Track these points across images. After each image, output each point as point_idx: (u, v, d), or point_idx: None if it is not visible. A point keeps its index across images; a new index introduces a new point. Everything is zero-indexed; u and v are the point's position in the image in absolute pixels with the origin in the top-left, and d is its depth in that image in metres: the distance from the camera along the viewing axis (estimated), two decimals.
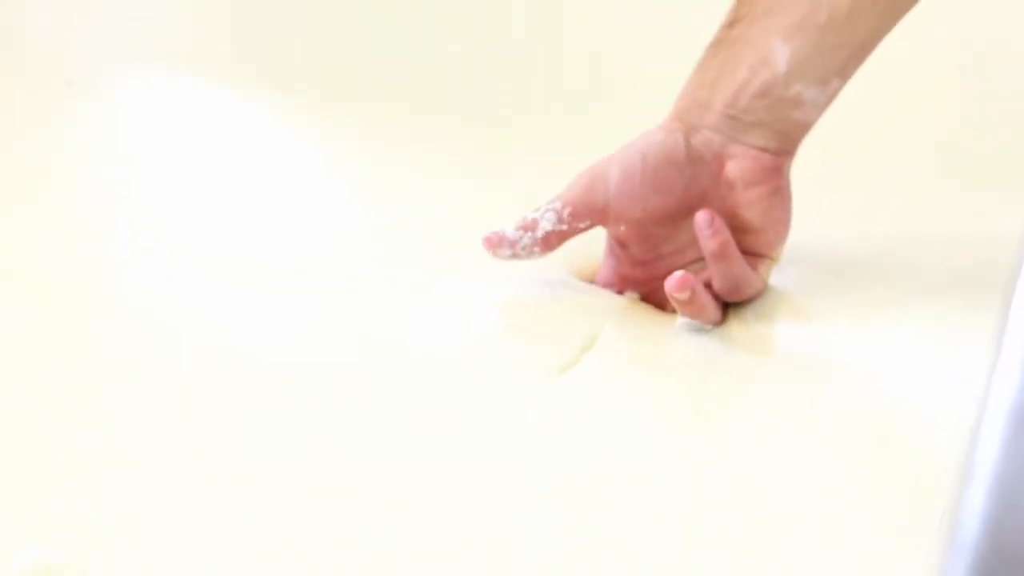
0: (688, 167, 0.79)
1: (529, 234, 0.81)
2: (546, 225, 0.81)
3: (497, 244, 0.82)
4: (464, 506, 0.66)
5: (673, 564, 0.63)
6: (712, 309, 0.79)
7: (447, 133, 1.05)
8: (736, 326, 0.79)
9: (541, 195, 0.82)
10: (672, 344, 0.78)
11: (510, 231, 0.82)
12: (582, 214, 0.81)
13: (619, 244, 0.83)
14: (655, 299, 0.83)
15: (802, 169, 0.79)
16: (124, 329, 0.80)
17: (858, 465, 0.69)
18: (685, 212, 0.80)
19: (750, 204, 0.79)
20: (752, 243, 0.80)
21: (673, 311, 0.80)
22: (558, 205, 0.81)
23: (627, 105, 0.96)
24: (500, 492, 0.67)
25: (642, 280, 0.83)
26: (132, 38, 1.20)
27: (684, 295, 0.77)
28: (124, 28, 1.21)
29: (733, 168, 0.79)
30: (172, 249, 0.89)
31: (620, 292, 0.84)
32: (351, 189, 1.00)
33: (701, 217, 0.78)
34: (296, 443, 0.70)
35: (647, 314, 0.81)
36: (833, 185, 0.88)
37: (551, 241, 0.82)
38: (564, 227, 0.81)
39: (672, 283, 0.77)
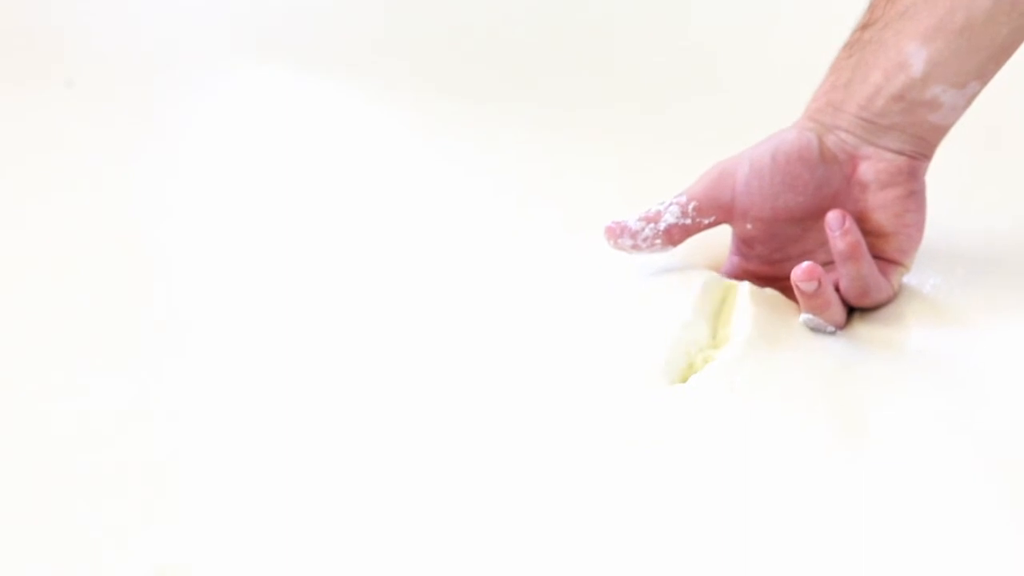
0: (820, 167, 0.77)
1: (651, 226, 0.79)
2: (669, 218, 0.79)
3: (618, 234, 0.79)
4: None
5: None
6: (837, 308, 0.77)
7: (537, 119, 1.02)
8: (862, 328, 0.77)
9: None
10: (797, 343, 0.75)
11: (632, 221, 0.80)
12: (707, 209, 0.79)
13: (745, 243, 0.81)
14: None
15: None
16: (140, 333, 0.77)
17: (1002, 472, 0.66)
18: (816, 213, 0.78)
19: (883, 206, 0.77)
20: (884, 248, 0.78)
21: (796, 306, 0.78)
22: (683, 199, 0.80)
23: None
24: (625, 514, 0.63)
25: (766, 280, 0.81)
26: (133, 38, 1.18)
27: (811, 285, 0.75)
28: (126, 28, 1.18)
29: (867, 169, 0.77)
30: (173, 250, 0.86)
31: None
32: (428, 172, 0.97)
33: (832, 216, 0.76)
34: (400, 438, 0.67)
35: (770, 306, 0.78)
36: (960, 184, 0.86)
37: (674, 235, 0.80)
38: (688, 222, 0.79)
39: (799, 272, 0.75)
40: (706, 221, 0.80)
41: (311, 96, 1.07)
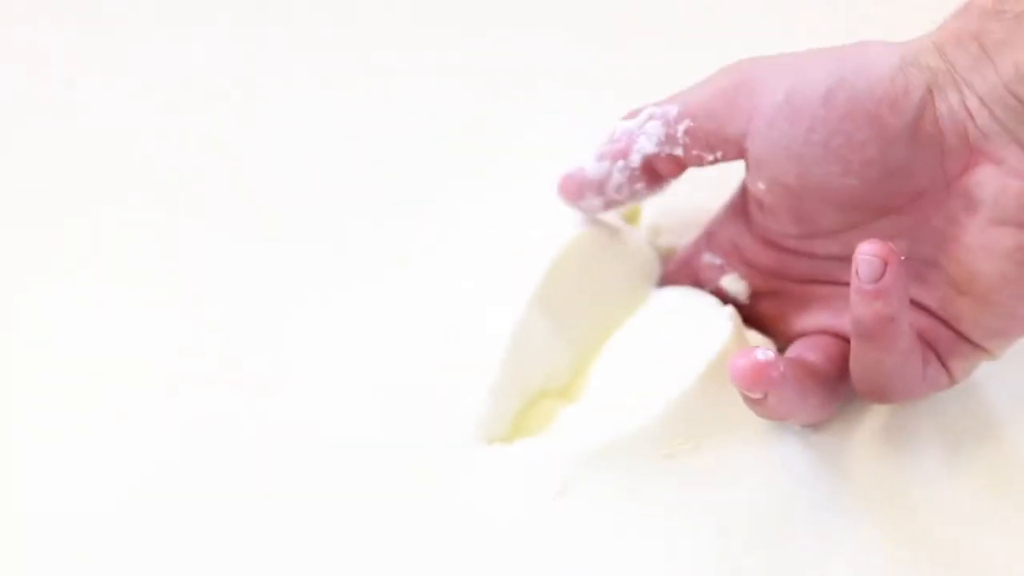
0: (906, 141, 0.47)
1: (621, 165, 0.53)
2: (647, 145, 0.52)
3: (578, 192, 0.54)
4: None
5: None
6: (811, 407, 0.50)
7: None
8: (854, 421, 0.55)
9: None
10: (766, 443, 0.54)
11: (591, 165, 0.53)
12: (706, 137, 0.51)
13: (756, 203, 0.53)
14: (774, 305, 0.55)
15: None
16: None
17: None
18: (872, 207, 0.49)
19: (990, 252, 0.47)
20: (963, 317, 0.49)
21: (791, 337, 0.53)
22: (671, 111, 0.51)
23: None
24: None
25: (766, 269, 0.54)
26: (135, 39, 1.15)
27: (757, 393, 0.48)
28: (127, 29, 1.16)
29: (989, 179, 0.47)
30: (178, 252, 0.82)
31: (720, 271, 0.56)
32: None
33: (866, 251, 0.45)
34: None
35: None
36: None
37: (661, 169, 0.52)
38: (679, 152, 0.52)
39: (739, 365, 0.46)
40: (709, 156, 0.51)
41: (311, 99, 1.04)
